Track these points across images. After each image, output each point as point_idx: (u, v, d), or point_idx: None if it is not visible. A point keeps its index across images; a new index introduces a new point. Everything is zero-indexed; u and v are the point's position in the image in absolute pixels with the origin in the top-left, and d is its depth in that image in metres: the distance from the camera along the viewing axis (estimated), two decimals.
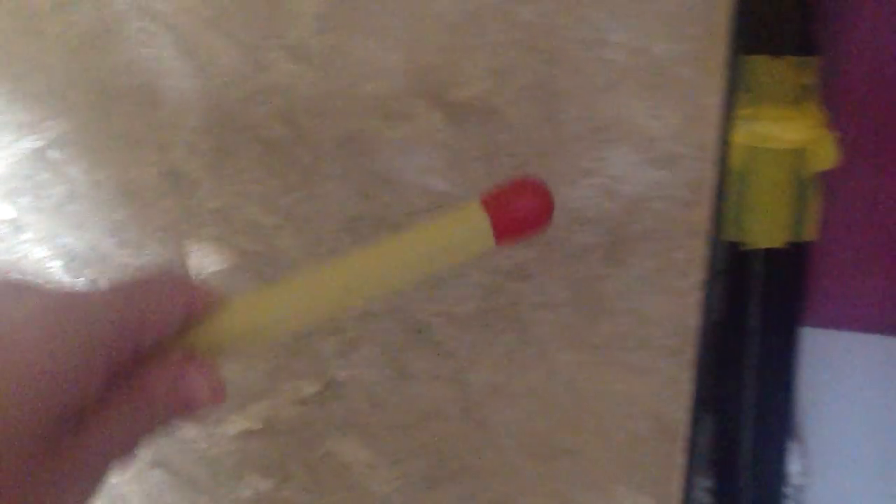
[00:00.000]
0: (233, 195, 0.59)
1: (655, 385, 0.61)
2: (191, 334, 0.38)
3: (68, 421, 0.33)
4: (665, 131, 0.51)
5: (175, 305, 0.37)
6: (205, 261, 0.64)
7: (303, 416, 0.70)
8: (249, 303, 0.39)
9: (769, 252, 0.60)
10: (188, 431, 0.74)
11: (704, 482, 0.77)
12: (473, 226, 0.42)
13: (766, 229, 0.58)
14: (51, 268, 0.66)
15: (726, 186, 0.56)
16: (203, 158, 0.58)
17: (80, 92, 0.58)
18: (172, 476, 0.76)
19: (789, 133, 0.56)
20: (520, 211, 0.44)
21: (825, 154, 0.55)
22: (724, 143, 0.53)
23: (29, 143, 0.61)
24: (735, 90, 0.53)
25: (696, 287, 0.56)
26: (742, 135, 0.54)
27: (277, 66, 0.54)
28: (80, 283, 0.63)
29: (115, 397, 0.35)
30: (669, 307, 0.57)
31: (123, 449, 0.35)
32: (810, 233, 0.59)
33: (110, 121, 0.58)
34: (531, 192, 0.45)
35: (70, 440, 0.33)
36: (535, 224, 0.44)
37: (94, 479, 0.35)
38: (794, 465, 1.32)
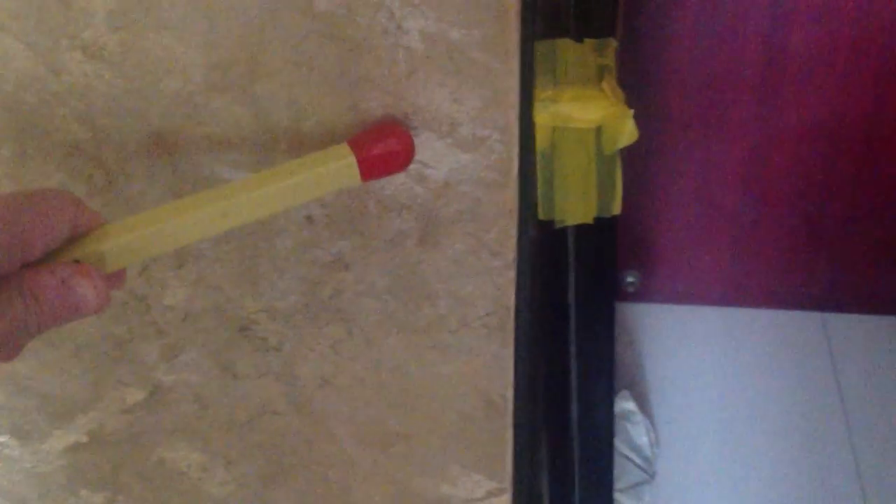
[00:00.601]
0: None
1: (479, 364, 0.62)
2: (76, 247, 0.40)
3: None
4: (467, 115, 0.52)
5: (61, 219, 0.39)
6: None
7: (130, 424, 0.69)
8: (131, 222, 0.43)
9: (579, 228, 0.63)
10: (12, 451, 0.71)
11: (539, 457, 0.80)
12: (341, 163, 0.49)
13: (574, 207, 0.61)
14: None
15: (533, 167, 0.58)
16: (6, 166, 0.56)
17: None
18: (1, 498, 0.74)
19: (589, 112, 0.58)
20: (382, 150, 0.51)
21: (625, 131, 0.57)
22: (526, 124, 0.54)
23: None
24: (532, 73, 0.55)
25: (509, 266, 0.58)
26: (544, 116, 0.56)
27: (73, 67, 0.53)
28: None
29: (2, 299, 0.36)
30: (485, 287, 0.59)
31: (6, 345, 0.37)
32: (617, 208, 0.61)
33: None
34: (392, 133, 0.51)
35: None
36: (395, 163, 0.52)
37: None
38: (642, 438, 1.37)
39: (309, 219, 0.57)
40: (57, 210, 0.39)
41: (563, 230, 0.64)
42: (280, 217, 0.57)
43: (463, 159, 0.54)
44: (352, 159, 0.49)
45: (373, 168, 0.50)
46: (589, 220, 0.62)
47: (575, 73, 0.60)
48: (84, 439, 0.70)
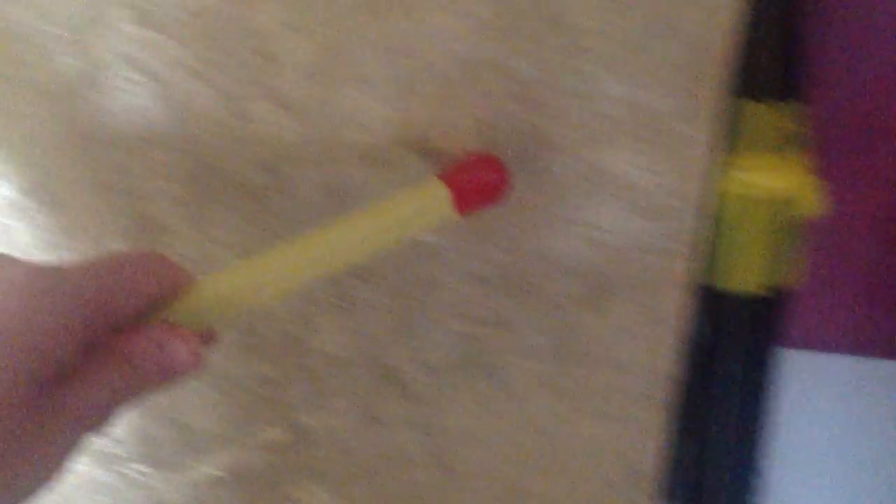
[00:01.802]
0: (212, 244, 0.58)
1: (630, 432, 0.61)
2: (167, 308, 0.39)
3: (46, 386, 0.34)
4: (652, 182, 0.52)
5: (151, 281, 0.38)
6: None
7: (268, 463, 0.69)
8: (223, 277, 0.41)
9: (746, 297, 0.62)
10: (147, 479, 0.72)
11: None
12: (435, 197, 0.47)
13: (745, 275, 0.60)
14: None
15: (710, 235, 0.57)
16: (182, 208, 0.57)
17: (57, 140, 0.56)
18: None
19: (775, 181, 0.57)
20: (477, 183, 0.49)
21: (812, 202, 0.56)
22: (711, 194, 0.54)
23: (1, 192, 0.59)
24: (723, 142, 0.54)
25: (676, 336, 0.57)
26: (726, 183, 0.55)
27: (262, 115, 0.53)
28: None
29: (94, 363, 0.36)
30: (648, 355, 0.58)
31: (100, 414, 0.36)
32: (791, 279, 0.60)
33: (88, 170, 0.57)
34: (488, 165, 0.50)
35: (47, 404, 0.34)
36: (492, 195, 0.50)
37: (69, 443, 0.35)
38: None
39: (472, 275, 0.57)
40: (147, 272, 0.39)
41: (728, 298, 0.63)
42: (443, 271, 0.58)
43: (642, 226, 0.53)
44: (446, 192, 0.47)
45: (469, 201, 0.49)
46: (762, 289, 0.61)
47: (761, 138, 0.59)
48: (220, 474, 0.71)
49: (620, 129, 0.50)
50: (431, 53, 0.50)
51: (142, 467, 0.71)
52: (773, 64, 0.57)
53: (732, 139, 0.56)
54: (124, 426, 0.68)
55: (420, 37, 0.49)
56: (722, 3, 0.45)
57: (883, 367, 1.47)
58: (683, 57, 0.47)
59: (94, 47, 0.53)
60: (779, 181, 0.56)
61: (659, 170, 0.51)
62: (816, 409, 1.46)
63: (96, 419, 0.36)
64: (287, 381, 0.64)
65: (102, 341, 0.36)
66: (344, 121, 0.53)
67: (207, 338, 0.43)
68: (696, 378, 0.61)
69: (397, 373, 0.63)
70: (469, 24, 0.48)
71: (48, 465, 0.35)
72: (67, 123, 0.56)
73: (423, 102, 0.51)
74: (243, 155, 0.55)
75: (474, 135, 0.52)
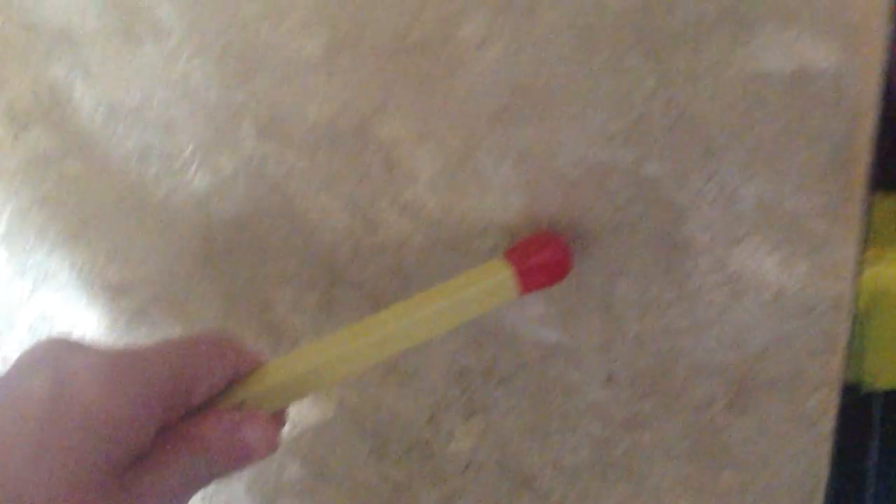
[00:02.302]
0: None
1: None
2: (239, 390, 0.40)
3: (123, 470, 0.34)
4: (795, 283, 0.50)
5: (223, 363, 0.39)
6: (304, 412, 0.62)
7: None
8: (292, 359, 0.41)
9: (889, 393, 0.59)
10: None
11: None
12: (498, 277, 0.46)
13: (886, 371, 0.57)
14: None
15: (852, 331, 0.54)
16: (308, 315, 0.57)
17: (184, 252, 0.57)
18: None
19: None
20: (541, 262, 0.48)
21: None
22: (853, 291, 0.51)
23: (126, 304, 0.60)
24: (864, 238, 0.52)
25: (825, 437, 0.54)
26: (865, 278, 0.53)
27: (389, 224, 0.53)
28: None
29: (168, 448, 0.36)
30: (795, 456, 0.55)
31: (175, 499, 0.36)
32: None
33: (213, 279, 0.57)
34: (550, 245, 0.49)
35: (124, 490, 0.34)
36: (555, 275, 0.49)
37: None
38: None
39: (610, 378, 0.56)
40: (218, 355, 0.39)
41: (866, 394, 0.60)
42: (575, 372, 0.56)
43: (786, 327, 0.51)
44: (509, 272, 0.47)
45: (532, 280, 0.48)
46: None
47: (893, 230, 0.57)
48: None
49: (758, 229, 0.48)
50: (559, 159, 0.49)
51: None
52: None
53: (871, 233, 0.54)
54: None
55: (548, 143, 0.48)
56: (864, 108, 0.43)
57: None
58: (823, 158, 0.45)
59: (220, 160, 0.54)
60: None
61: (802, 270, 0.49)
62: None
63: (172, 502, 0.36)
64: (417, 485, 0.63)
65: (176, 424, 0.37)
66: (470, 227, 0.52)
67: (279, 419, 0.42)
68: (844, 480, 0.58)
69: (532, 477, 0.61)
70: (598, 131, 0.47)
71: None
72: (194, 235, 0.57)
73: (548, 208, 0.50)
74: (369, 262, 0.55)
75: (606, 236, 0.51)
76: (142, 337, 0.62)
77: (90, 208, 0.58)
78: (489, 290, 0.47)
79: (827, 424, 0.54)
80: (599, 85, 0.46)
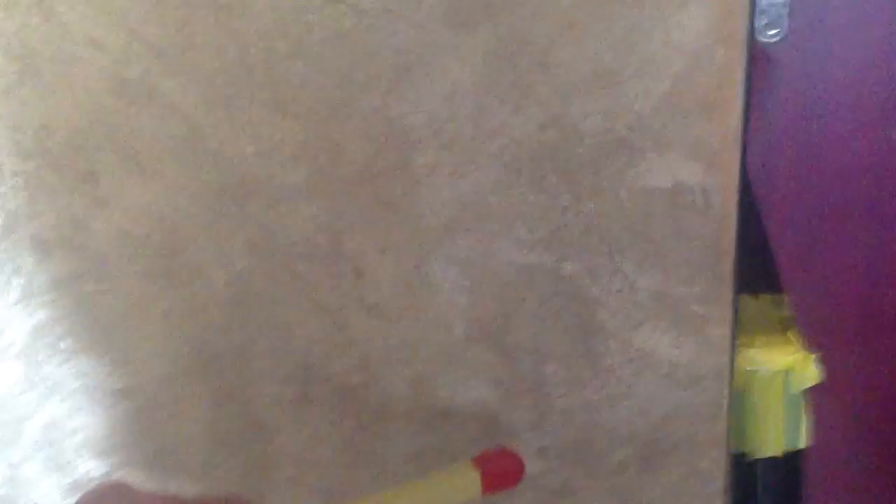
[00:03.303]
0: (309, 439, 0.68)
1: None
2: None
3: None
4: (685, 358, 0.62)
5: None
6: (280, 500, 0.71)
7: None
8: None
9: (769, 460, 0.71)
10: None
11: None
12: (466, 478, 0.56)
13: (765, 440, 0.69)
14: None
15: (734, 404, 0.67)
16: (286, 408, 0.68)
17: (177, 357, 0.67)
18: None
19: (777, 357, 0.68)
20: (503, 469, 0.58)
21: (809, 373, 0.67)
22: (733, 366, 0.65)
23: (127, 406, 0.69)
24: (736, 324, 0.66)
25: (720, 492, 0.66)
26: (741, 359, 0.66)
27: (358, 324, 0.65)
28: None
29: None
30: None
31: None
32: (803, 441, 0.70)
33: (204, 380, 0.67)
34: (509, 456, 0.59)
35: None
36: (512, 480, 0.59)
37: None
38: None
39: (542, 450, 0.67)
40: None
41: (750, 462, 0.72)
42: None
43: (681, 396, 0.64)
44: (476, 475, 0.56)
45: (493, 484, 0.57)
46: (778, 452, 0.70)
47: (759, 323, 0.71)
48: None
49: (654, 314, 0.61)
50: (495, 263, 0.62)
51: None
52: (761, 262, 0.69)
53: (742, 325, 0.68)
54: None
55: (486, 251, 0.61)
56: (727, 213, 0.58)
57: None
58: (699, 254, 0.59)
59: (216, 274, 0.66)
60: (779, 357, 0.68)
61: (690, 347, 0.62)
62: None
63: None
64: None
65: None
66: (427, 324, 0.64)
67: None
68: None
69: None
70: (526, 239, 0.61)
71: None
72: (189, 342, 0.67)
73: (489, 303, 0.63)
74: (341, 358, 0.66)
75: (532, 328, 0.63)
76: (138, 437, 0.71)
77: (100, 323, 0.68)
78: (457, 489, 0.56)
79: (719, 482, 0.65)
80: (525, 201, 0.60)
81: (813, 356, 0.68)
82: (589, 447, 0.66)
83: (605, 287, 0.61)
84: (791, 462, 0.72)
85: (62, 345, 0.68)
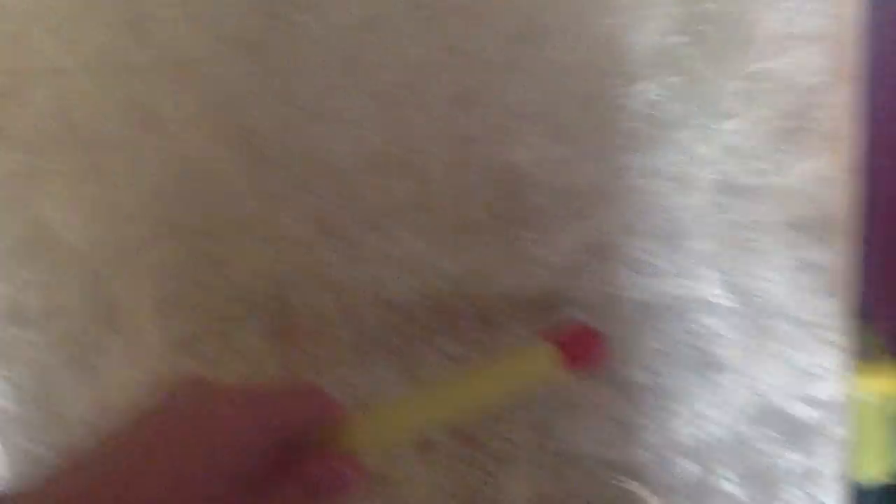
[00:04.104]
0: (430, 487, 0.68)
1: None
2: (330, 435, 0.47)
3: (242, 491, 0.41)
4: (806, 389, 0.64)
5: (315, 409, 0.46)
6: None
7: None
8: (370, 415, 0.49)
9: (878, 488, 0.72)
10: None
11: None
12: (544, 356, 0.53)
13: (872, 467, 0.70)
14: None
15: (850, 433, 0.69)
16: (406, 458, 0.68)
17: None
18: None
19: (879, 384, 0.70)
20: (583, 344, 0.55)
21: None
22: (850, 398, 0.66)
23: None
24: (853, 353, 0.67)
25: None
26: (853, 389, 0.67)
27: None
28: None
29: (276, 481, 0.43)
30: None
31: None
32: None
33: None
34: (590, 332, 0.56)
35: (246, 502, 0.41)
36: (595, 360, 0.55)
37: None
38: None
39: (669, 488, 0.67)
40: (315, 402, 0.46)
41: (865, 490, 0.73)
42: None
43: (801, 426, 0.65)
44: (554, 351, 0.54)
45: (574, 358, 0.54)
46: (885, 479, 0.71)
47: (859, 350, 0.73)
48: None
49: (776, 346, 0.63)
50: (618, 302, 0.63)
51: None
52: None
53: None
54: None
55: (609, 292, 0.63)
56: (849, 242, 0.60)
57: None
58: (822, 284, 0.61)
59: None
60: (881, 384, 0.69)
61: (809, 377, 0.63)
62: None
63: None
64: None
65: (285, 460, 0.44)
66: None
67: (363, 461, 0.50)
68: None
69: None
70: (648, 277, 0.62)
71: None
72: None
73: (612, 341, 0.64)
74: None
75: (654, 361, 0.64)
76: None
77: None
78: (538, 367, 0.54)
79: None
80: (649, 239, 0.62)
81: None
82: (712, 482, 0.66)
83: (726, 322, 0.63)
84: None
85: None
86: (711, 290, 0.62)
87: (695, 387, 0.65)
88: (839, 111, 0.59)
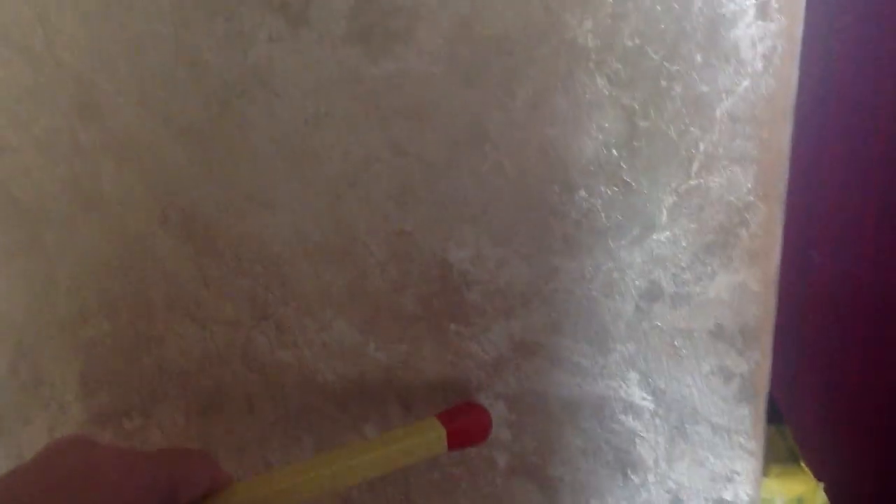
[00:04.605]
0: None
1: None
2: (212, 502, 0.46)
3: None
4: (720, 492, 0.66)
5: (203, 476, 0.45)
6: None
7: None
8: (257, 482, 0.50)
9: None
10: None
11: None
12: (432, 434, 0.57)
13: None
14: None
15: None
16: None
17: None
18: None
19: (789, 486, 0.72)
20: (467, 424, 0.59)
21: (819, 500, 0.72)
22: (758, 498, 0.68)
23: None
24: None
25: None
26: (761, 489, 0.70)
27: None
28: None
29: None
30: None
31: None
32: None
33: None
34: (474, 410, 0.61)
35: None
36: (478, 436, 0.60)
37: None
38: None
39: None
40: (200, 468, 0.45)
41: None
42: None
43: None
44: (442, 431, 0.57)
45: (459, 440, 0.59)
46: None
47: (770, 453, 0.75)
48: None
49: (692, 448, 0.65)
50: (542, 399, 0.64)
51: None
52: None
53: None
54: None
55: (534, 388, 0.64)
56: (765, 353, 0.62)
57: None
58: (738, 391, 0.63)
59: None
60: (793, 486, 0.72)
61: (723, 479, 0.66)
62: None
63: None
64: None
65: None
66: (470, 457, 0.66)
67: None
68: None
69: None
70: (574, 377, 0.64)
71: None
72: None
73: (533, 438, 0.65)
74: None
75: (575, 460, 0.66)
76: None
77: None
78: (424, 444, 0.57)
79: None
80: (575, 339, 0.63)
81: (821, 485, 0.72)
82: None
83: (645, 423, 0.65)
84: None
85: None
86: (633, 391, 0.64)
87: (612, 484, 0.66)
88: (763, 229, 0.62)
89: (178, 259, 0.65)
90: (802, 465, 0.74)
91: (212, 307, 0.65)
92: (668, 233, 0.61)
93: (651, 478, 0.66)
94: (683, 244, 0.61)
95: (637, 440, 0.65)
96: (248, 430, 0.67)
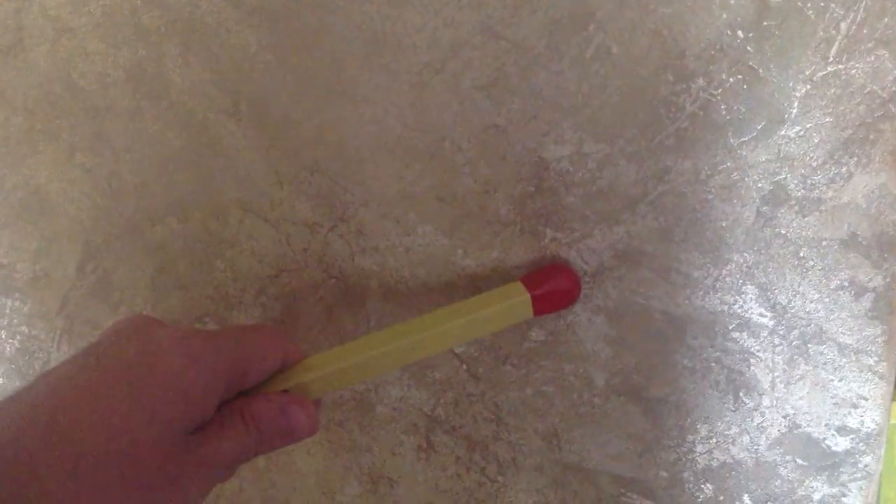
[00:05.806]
0: (429, 491, 0.64)
1: None
2: (284, 378, 0.45)
3: (189, 438, 0.39)
4: (842, 418, 0.59)
5: (273, 353, 0.44)
6: None
7: None
8: (328, 356, 0.47)
9: None
10: None
11: None
12: (516, 299, 0.53)
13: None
14: None
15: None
16: (405, 458, 0.64)
17: None
18: None
19: None
20: (553, 287, 0.55)
21: None
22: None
23: None
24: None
25: None
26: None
27: (491, 374, 0.61)
28: None
29: (226, 422, 0.41)
30: None
31: (229, 465, 0.41)
32: None
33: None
34: (561, 272, 0.56)
35: (188, 454, 0.38)
36: (565, 300, 0.56)
37: (202, 489, 0.40)
38: None
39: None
40: (269, 345, 0.44)
41: None
42: None
43: (832, 455, 0.61)
44: (527, 296, 0.54)
45: (545, 304, 0.55)
46: None
47: None
48: None
49: (813, 369, 0.58)
50: (645, 313, 0.58)
51: None
52: None
53: None
54: None
55: (637, 302, 0.58)
56: None
57: None
58: (871, 309, 0.56)
59: None
60: None
61: (848, 404, 0.59)
62: None
63: (224, 473, 0.41)
64: None
65: (232, 402, 0.42)
66: (566, 374, 0.61)
67: (318, 405, 0.48)
68: None
69: None
70: (680, 290, 0.57)
71: None
72: None
73: (634, 355, 0.59)
74: (469, 406, 0.62)
75: (679, 379, 0.60)
76: None
77: None
78: (508, 309, 0.53)
79: None
80: (682, 249, 0.57)
81: None
82: None
83: (762, 342, 0.58)
84: None
85: None
86: (750, 306, 0.58)
87: (722, 408, 0.60)
88: None
89: (250, 154, 0.60)
90: None
91: (286, 207, 0.60)
92: (798, 127, 0.53)
93: (766, 401, 0.59)
94: (816, 140, 0.53)
95: (752, 360, 0.59)
96: (325, 340, 0.63)
